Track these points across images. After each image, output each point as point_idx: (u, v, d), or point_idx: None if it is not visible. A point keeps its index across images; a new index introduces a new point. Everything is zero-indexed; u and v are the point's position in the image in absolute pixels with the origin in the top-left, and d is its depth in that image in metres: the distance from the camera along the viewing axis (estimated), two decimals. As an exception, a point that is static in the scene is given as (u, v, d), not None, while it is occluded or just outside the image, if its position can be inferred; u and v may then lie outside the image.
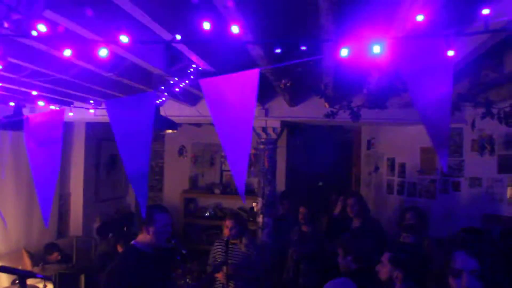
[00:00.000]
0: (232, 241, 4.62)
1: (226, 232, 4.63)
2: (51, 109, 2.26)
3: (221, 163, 8.48)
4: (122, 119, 1.93)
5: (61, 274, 4.95)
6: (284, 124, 5.85)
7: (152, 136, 1.92)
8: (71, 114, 5.28)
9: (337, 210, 5.74)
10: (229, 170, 8.39)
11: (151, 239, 3.26)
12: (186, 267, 4.23)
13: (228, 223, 4.63)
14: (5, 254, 5.82)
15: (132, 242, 3.33)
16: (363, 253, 3.30)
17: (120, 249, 5.03)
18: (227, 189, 8.21)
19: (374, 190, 7.10)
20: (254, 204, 7.38)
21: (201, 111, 5.81)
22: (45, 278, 2.49)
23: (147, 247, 3.29)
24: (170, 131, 3.99)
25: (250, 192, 8.13)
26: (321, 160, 7.97)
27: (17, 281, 4.03)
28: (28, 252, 6.06)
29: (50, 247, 6.17)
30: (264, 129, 5.80)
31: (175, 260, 3.51)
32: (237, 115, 1.84)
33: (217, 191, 8.14)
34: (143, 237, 3.29)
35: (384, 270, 2.74)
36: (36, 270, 4.99)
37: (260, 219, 5.85)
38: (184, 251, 3.37)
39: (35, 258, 5.96)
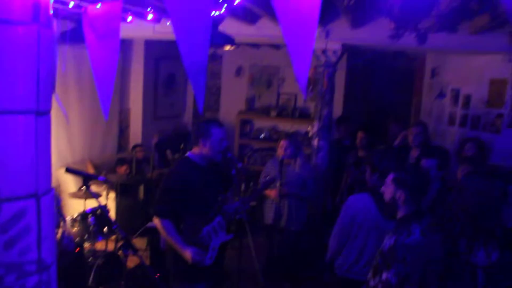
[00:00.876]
0: (287, 161, 4.63)
1: (280, 152, 4.63)
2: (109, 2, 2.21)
3: (278, 85, 8.37)
4: (181, 8, 1.83)
5: (122, 184, 5.19)
6: (345, 47, 5.60)
7: (210, 24, 1.83)
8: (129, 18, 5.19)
9: (398, 140, 5.54)
10: (286, 93, 8.31)
11: (206, 152, 3.29)
12: (240, 183, 4.29)
13: (283, 143, 4.62)
14: (71, 163, 6.13)
15: (187, 153, 3.38)
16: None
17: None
18: (283, 111, 8.16)
19: (434, 121, 6.82)
20: (309, 128, 7.31)
21: (260, 31, 5.65)
22: (107, 182, 2.58)
23: (201, 160, 3.34)
24: (228, 47, 3.91)
25: (305, 115, 8.07)
26: (381, 87, 7.70)
27: (83, 187, 4.25)
28: (92, 163, 6.38)
29: (122, 160, 6.46)
30: (324, 52, 5.59)
31: (229, 176, 3.55)
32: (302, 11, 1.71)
33: (273, 113, 8.11)
34: (198, 150, 3.33)
35: (388, 190, 2.73)
36: (102, 175, 5.22)
37: (315, 142, 5.80)
38: (239, 165, 3.40)
39: (98, 169, 6.27)
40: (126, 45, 7.34)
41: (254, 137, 8.35)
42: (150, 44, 7.52)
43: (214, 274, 3.44)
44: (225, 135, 3.37)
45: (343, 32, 5.41)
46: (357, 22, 5.19)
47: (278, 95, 8.39)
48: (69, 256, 3.67)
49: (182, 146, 7.00)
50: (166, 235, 3.20)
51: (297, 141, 4.74)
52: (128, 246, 2.52)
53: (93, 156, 6.72)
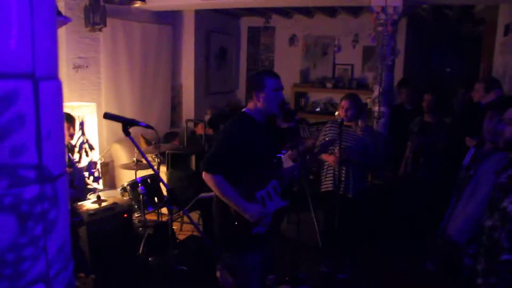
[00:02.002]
0: (347, 123, 4.27)
1: (341, 113, 4.27)
2: None
3: (334, 55, 7.96)
4: None
5: (173, 154, 5.03)
6: (407, 2, 5.15)
7: None
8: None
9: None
10: (342, 64, 7.90)
11: (262, 105, 2.97)
12: (297, 140, 3.99)
13: (344, 103, 4.25)
14: (124, 140, 6.06)
15: (243, 109, 3.10)
16: None
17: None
18: (340, 83, 7.75)
19: (509, 83, 6.20)
20: (367, 100, 6.90)
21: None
22: (148, 127, 2.35)
23: (258, 115, 3.03)
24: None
25: (363, 86, 7.64)
26: (444, 54, 7.16)
27: (135, 159, 4.09)
28: (144, 138, 6.28)
29: (171, 135, 6.35)
30: (384, 9, 5.16)
31: (287, 133, 3.24)
32: None
33: (329, 85, 7.73)
34: (253, 104, 3.02)
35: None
36: (150, 148, 5.09)
37: (376, 108, 5.40)
38: (297, 117, 3.05)
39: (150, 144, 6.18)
40: (175, 17, 7.18)
41: (309, 111, 8.00)
42: (200, 17, 7.33)
43: (268, 243, 3.15)
44: (281, 85, 3.03)
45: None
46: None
47: (334, 65, 7.98)
48: (117, 222, 3.53)
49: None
50: (221, 192, 2.86)
51: (360, 102, 4.33)
52: (173, 201, 2.30)
53: (146, 132, 6.63)
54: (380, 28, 5.28)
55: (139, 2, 3.89)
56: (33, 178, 0.88)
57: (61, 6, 5.25)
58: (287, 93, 7.95)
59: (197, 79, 7.50)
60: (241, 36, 8.66)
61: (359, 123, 4.26)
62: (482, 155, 2.93)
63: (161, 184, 4.52)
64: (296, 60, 8.16)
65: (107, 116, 2.34)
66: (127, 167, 4.69)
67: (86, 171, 2.00)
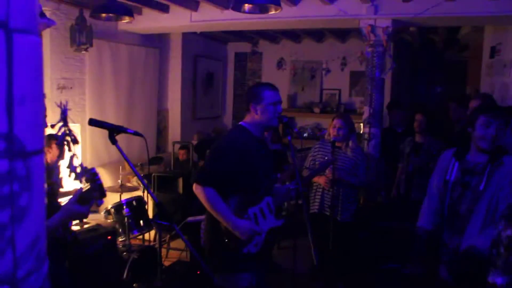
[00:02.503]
0: (338, 144, 4.15)
1: (332, 132, 4.15)
2: None
3: (321, 81, 7.92)
4: None
5: (159, 176, 4.84)
6: (396, 23, 5.13)
7: None
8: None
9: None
10: (329, 89, 7.86)
11: (259, 119, 2.83)
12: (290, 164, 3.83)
13: (336, 122, 4.14)
14: (108, 163, 5.87)
15: (240, 122, 2.96)
16: None
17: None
18: (327, 108, 7.69)
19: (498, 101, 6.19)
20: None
21: (303, 12, 5.27)
22: (136, 134, 2.20)
23: (255, 129, 2.89)
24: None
25: (351, 111, 7.58)
26: (430, 77, 7.17)
27: (120, 182, 3.91)
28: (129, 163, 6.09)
29: (157, 159, 6.20)
30: (373, 29, 5.13)
31: (274, 155, 3.10)
32: None
33: (316, 110, 7.66)
34: (250, 118, 2.87)
35: None
36: (136, 168, 4.89)
37: (366, 129, 5.31)
38: (295, 130, 2.90)
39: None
40: (163, 41, 7.11)
41: (297, 136, 7.88)
42: (188, 41, 7.26)
43: (259, 264, 2.96)
44: (279, 98, 2.90)
45: (393, 6, 4.95)
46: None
47: (321, 90, 7.93)
48: (100, 244, 3.31)
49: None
50: (211, 206, 2.68)
51: (351, 121, 4.23)
52: (162, 216, 2.13)
53: (131, 157, 6.43)
54: (369, 49, 5.25)
55: (127, 18, 3.77)
56: (1, 150, 0.72)
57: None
58: (275, 118, 7.87)
59: (183, 104, 7.38)
60: (228, 62, 8.61)
61: (350, 143, 4.15)
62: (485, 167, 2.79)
63: (146, 207, 4.33)
64: (283, 85, 8.09)
65: (92, 122, 2.19)
66: (111, 189, 4.49)
67: (67, 167, 1.83)
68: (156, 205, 2.16)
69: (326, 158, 4.07)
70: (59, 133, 1.79)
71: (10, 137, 0.73)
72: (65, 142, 1.79)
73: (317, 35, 7.41)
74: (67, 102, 1.86)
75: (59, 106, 1.82)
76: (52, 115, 5.28)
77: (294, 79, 8.06)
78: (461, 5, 4.73)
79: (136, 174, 2.23)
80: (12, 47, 0.73)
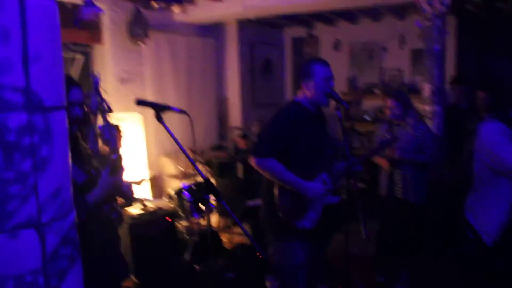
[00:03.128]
0: (396, 122, 4.04)
1: (387, 113, 4.05)
2: None
3: (381, 61, 7.71)
4: None
5: (220, 162, 4.94)
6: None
7: None
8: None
9: None
10: (391, 69, 7.63)
11: (311, 95, 2.83)
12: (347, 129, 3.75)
13: (389, 102, 4.03)
14: (172, 152, 6.06)
15: (294, 98, 2.97)
16: None
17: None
18: (388, 89, 7.48)
19: None
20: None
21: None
22: (182, 112, 2.27)
23: (310, 104, 2.88)
24: None
25: (415, 91, 7.33)
26: (502, 52, 6.76)
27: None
28: (192, 151, 6.25)
29: (219, 148, 6.33)
30: (429, 1, 4.92)
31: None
32: None
33: (377, 91, 7.47)
34: (301, 93, 2.88)
35: None
36: (197, 156, 5.03)
37: (428, 107, 5.11)
38: (346, 106, 2.86)
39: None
40: (218, 30, 7.20)
41: (358, 119, 7.74)
42: (243, 28, 7.31)
43: (316, 240, 2.94)
44: (331, 73, 2.88)
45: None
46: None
47: (382, 71, 7.72)
48: (160, 225, 3.44)
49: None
50: (276, 174, 2.69)
51: (405, 97, 4.09)
52: (209, 190, 2.17)
53: (194, 146, 6.61)
54: (427, 23, 5.04)
55: (177, 6, 3.87)
56: (20, 103, 0.77)
57: (106, 22, 5.36)
58: (334, 102, 7.77)
59: (242, 91, 7.45)
60: (285, 47, 8.58)
61: (408, 120, 4.01)
62: None
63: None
64: (342, 68, 7.95)
65: (139, 102, 2.29)
66: (174, 177, 4.65)
67: (101, 135, 1.94)
68: (204, 181, 2.20)
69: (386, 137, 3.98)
70: (90, 103, 1.88)
71: (28, 92, 0.78)
72: (98, 112, 1.88)
73: (374, 13, 7.20)
74: (99, 73, 1.95)
75: (91, 76, 1.92)
76: (114, 106, 5.51)
77: (352, 61, 7.90)
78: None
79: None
80: (25, 9, 0.78)
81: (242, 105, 7.43)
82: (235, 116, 7.46)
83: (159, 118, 2.24)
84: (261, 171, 2.73)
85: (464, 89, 5.38)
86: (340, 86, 7.89)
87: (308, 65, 2.89)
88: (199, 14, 6.12)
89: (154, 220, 3.45)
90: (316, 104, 2.89)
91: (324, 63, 2.91)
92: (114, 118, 3.42)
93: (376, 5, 6.18)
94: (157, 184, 5.91)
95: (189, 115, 2.36)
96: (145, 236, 3.36)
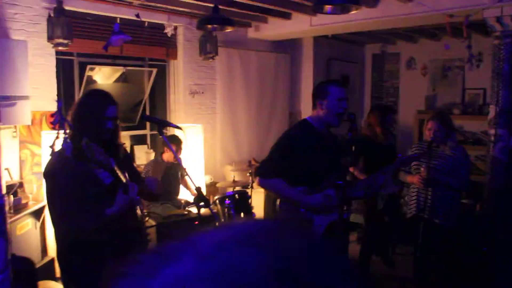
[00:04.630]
0: (436, 145, 3.95)
1: (428, 134, 3.96)
2: None
3: (463, 80, 7.38)
4: None
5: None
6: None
7: None
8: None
9: None
10: (472, 88, 7.27)
11: (324, 114, 2.95)
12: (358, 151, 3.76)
13: (431, 124, 3.94)
14: (237, 161, 6.36)
15: (306, 117, 3.11)
16: None
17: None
18: (469, 108, 7.13)
19: None
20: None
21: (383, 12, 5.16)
22: (177, 127, 2.53)
23: (319, 124, 3.00)
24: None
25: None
26: None
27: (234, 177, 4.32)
28: (256, 161, 6.51)
29: None
30: (499, 19, 4.70)
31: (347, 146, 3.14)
32: None
33: (456, 111, 7.15)
34: (316, 113, 3.01)
35: None
36: (245, 165, 5.28)
37: (492, 131, 4.86)
38: (354, 125, 2.92)
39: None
40: (294, 46, 7.40)
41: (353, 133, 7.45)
42: (319, 44, 7.44)
43: None
44: (345, 95, 2.97)
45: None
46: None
47: (464, 90, 7.38)
48: (186, 227, 3.71)
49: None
50: (280, 193, 2.89)
51: (449, 121, 3.98)
52: (199, 199, 2.38)
53: (258, 157, 6.87)
54: (495, 42, 4.82)
55: (229, 27, 4.15)
56: None
57: (180, 39, 5.84)
58: (410, 121, 7.58)
59: (315, 106, 7.55)
60: (365, 63, 8.54)
61: (448, 142, 3.90)
62: None
63: (250, 200, 4.65)
64: (421, 86, 7.75)
65: (145, 118, 2.60)
66: (224, 184, 4.93)
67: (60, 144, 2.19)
68: (195, 189, 2.42)
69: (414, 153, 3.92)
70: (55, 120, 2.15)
71: None
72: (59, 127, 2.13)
73: (456, 30, 6.93)
74: (61, 97, 2.25)
75: (56, 100, 2.22)
76: (185, 117, 5.92)
77: (431, 79, 7.64)
78: None
79: (178, 160, 2.53)
80: None
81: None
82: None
83: (160, 132, 2.49)
84: (264, 189, 2.92)
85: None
86: (417, 104, 7.70)
87: (324, 86, 3.01)
88: (270, 31, 6.39)
89: (181, 221, 3.73)
90: (327, 123, 2.99)
91: (339, 85, 3.02)
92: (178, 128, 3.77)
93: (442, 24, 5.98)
94: (218, 191, 6.25)
95: (182, 129, 2.59)
96: (170, 236, 3.64)
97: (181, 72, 5.88)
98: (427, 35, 7.31)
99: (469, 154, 4.22)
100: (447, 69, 7.47)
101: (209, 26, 4.24)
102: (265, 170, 2.95)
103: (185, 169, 2.65)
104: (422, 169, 3.82)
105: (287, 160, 2.89)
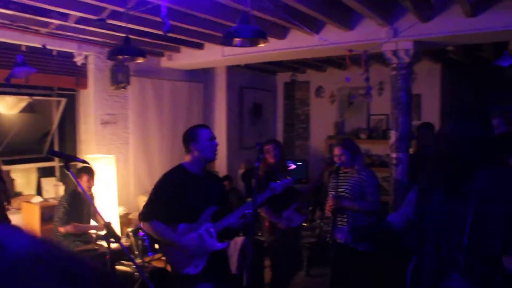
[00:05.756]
0: (344, 170, 4.17)
1: (336, 160, 4.18)
2: None
3: (368, 106, 7.86)
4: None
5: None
6: (418, 45, 5.06)
7: None
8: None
9: None
10: (376, 114, 7.77)
11: (199, 154, 3.13)
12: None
13: (337, 150, 4.17)
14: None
15: (180, 163, 3.27)
16: None
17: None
18: (374, 133, 7.60)
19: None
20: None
21: (291, 43, 5.48)
22: (84, 162, 2.50)
23: (193, 166, 3.20)
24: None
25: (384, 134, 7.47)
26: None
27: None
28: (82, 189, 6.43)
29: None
30: (395, 53, 5.11)
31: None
32: None
33: (363, 135, 7.59)
34: (190, 156, 3.22)
35: None
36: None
37: (393, 154, 5.22)
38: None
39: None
40: (207, 75, 7.50)
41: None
42: (233, 73, 7.60)
43: (204, 285, 3.13)
44: (213, 135, 3.31)
45: (413, 28, 4.89)
46: (426, 14, 4.68)
47: (369, 116, 7.86)
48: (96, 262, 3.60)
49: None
50: (158, 234, 3.09)
51: (353, 145, 4.23)
52: (109, 235, 2.34)
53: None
54: (393, 73, 5.22)
55: (140, 58, 4.14)
56: None
57: (91, 68, 5.71)
58: (321, 146, 7.90)
59: (229, 134, 7.66)
60: (277, 92, 8.84)
61: (355, 166, 4.14)
62: None
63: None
64: (330, 112, 8.15)
65: (51, 152, 2.53)
66: (137, 215, 4.82)
67: None
68: (104, 225, 2.38)
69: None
70: None
71: None
72: None
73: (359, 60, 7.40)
74: None
75: None
76: (96, 148, 5.75)
77: (340, 106, 8.08)
78: (482, 22, 4.58)
79: (85, 193, 2.48)
80: None
81: (228, 148, 7.63)
82: (221, 159, 7.65)
83: (67, 167, 2.44)
84: (149, 233, 3.09)
85: (430, 137, 5.48)
86: (328, 130, 8.06)
87: (193, 130, 3.28)
88: (183, 61, 6.44)
89: (90, 257, 3.61)
90: (205, 160, 3.22)
91: (206, 127, 3.35)
92: (89, 159, 3.73)
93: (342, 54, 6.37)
94: (132, 223, 6.11)
95: (89, 164, 2.56)
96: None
97: (91, 102, 5.74)
98: (334, 64, 7.73)
99: (377, 175, 4.47)
100: (353, 97, 7.93)
101: (120, 57, 4.19)
102: (145, 213, 3.14)
103: (94, 205, 2.71)
104: (329, 198, 4.01)
105: (164, 201, 3.10)
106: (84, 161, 2.57)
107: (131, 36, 4.42)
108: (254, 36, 3.55)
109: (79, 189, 4.57)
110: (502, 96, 7.41)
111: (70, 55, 5.37)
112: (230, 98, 7.65)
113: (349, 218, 4.01)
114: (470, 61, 7.33)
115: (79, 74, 5.62)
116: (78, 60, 5.40)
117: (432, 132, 5.56)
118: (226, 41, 3.70)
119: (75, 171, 4.67)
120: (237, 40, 3.68)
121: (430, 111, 7.10)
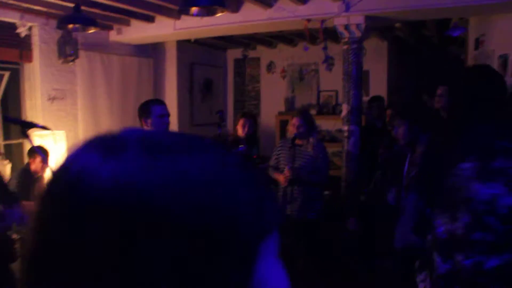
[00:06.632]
0: (298, 141, 4.25)
1: (292, 130, 4.25)
2: None
3: (318, 83, 8.00)
4: None
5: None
6: (370, 19, 5.18)
7: None
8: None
9: None
10: (326, 90, 7.92)
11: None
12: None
13: (295, 120, 4.24)
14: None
15: None
16: None
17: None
18: (324, 109, 7.75)
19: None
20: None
21: (245, 17, 5.45)
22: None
23: None
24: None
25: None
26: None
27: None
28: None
29: None
30: (347, 27, 5.20)
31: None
32: None
33: (313, 111, 7.70)
34: None
35: None
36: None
37: (345, 127, 5.36)
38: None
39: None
40: (157, 50, 7.36)
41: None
42: (183, 49, 7.49)
43: None
44: (166, 111, 3.28)
45: (365, 2, 4.99)
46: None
47: (318, 92, 8.00)
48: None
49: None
50: None
51: (311, 118, 4.33)
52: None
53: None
54: (345, 47, 5.32)
55: (92, 28, 4.00)
56: None
57: (36, 40, 5.45)
58: (272, 122, 7.98)
59: (180, 111, 7.57)
60: (227, 68, 8.80)
61: (310, 140, 4.22)
62: None
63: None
64: (281, 88, 8.22)
65: (6, 119, 2.42)
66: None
67: None
68: None
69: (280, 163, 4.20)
70: None
71: None
72: None
73: (312, 38, 7.49)
74: None
75: None
76: (44, 124, 5.53)
77: (290, 82, 8.16)
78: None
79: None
80: None
81: (180, 125, 7.54)
82: (173, 134, 7.57)
83: (24, 134, 2.35)
84: None
85: (380, 109, 5.66)
86: (278, 106, 8.14)
87: (146, 105, 3.26)
88: (133, 35, 6.27)
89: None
90: None
91: (161, 103, 3.35)
92: (38, 136, 3.53)
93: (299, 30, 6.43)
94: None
95: (49, 129, 2.47)
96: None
97: (37, 76, 5.49)
98: (285, 41, 7.79)
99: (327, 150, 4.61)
100: (305, 71, 8.03)
101: (71, 25, 4.04)
102: None
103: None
104: (286, 169, 4.08)
105: None
106: (44, 127, 2.48)
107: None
108: (211, 4, 3.53)
109: (31, 168, 4.43)
110: (444, 74, 7.76)
111: (13, 26, 5.10)
112: (180, 74, 7.54)
113: (302, 190, 4.13)
114: (414, 39, 7.59)
115: (23, 46, 5.35)
116: (22, 31, 5.14)
117: (383, 105, 5.74)
118: (183, 10, 3.66)
119: (27, 152, 4.49)
120: (194, 9, 3.64)
121: (378, 87, 7.30)
